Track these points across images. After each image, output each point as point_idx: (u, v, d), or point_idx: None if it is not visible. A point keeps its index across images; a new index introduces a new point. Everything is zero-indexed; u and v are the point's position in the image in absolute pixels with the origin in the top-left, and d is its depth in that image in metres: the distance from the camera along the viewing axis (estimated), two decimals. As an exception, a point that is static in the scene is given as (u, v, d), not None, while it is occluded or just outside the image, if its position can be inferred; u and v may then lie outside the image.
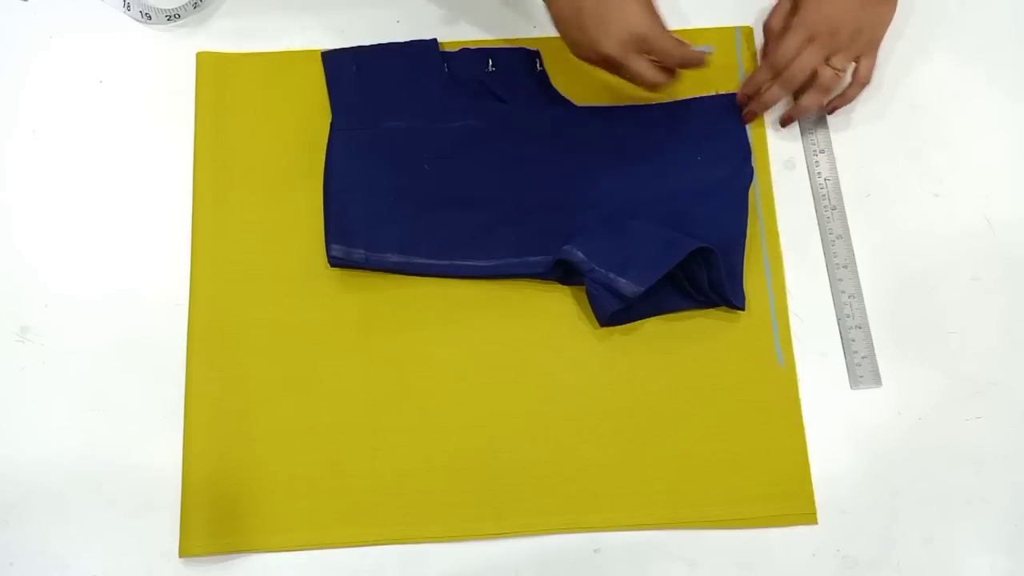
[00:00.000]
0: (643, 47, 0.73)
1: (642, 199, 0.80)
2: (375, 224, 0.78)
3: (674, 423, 0.75)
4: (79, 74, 0.85)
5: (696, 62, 0.75)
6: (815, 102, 0.80)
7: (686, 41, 0.74)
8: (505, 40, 0.85)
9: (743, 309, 0.77)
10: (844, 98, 0.81)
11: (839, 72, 0.79)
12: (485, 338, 0.77)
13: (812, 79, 0.79)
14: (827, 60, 0.78)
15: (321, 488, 0.73)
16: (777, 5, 0.83)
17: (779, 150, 0.83)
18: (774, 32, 0.82)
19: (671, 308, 0.77)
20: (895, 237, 0.81)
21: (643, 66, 0.74)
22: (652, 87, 0.76)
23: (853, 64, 0.80)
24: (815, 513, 0.73)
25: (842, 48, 0.78)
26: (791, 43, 0.78)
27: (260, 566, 0.72)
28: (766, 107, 0.81)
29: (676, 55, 0.74)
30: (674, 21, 0.86)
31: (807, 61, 0.78)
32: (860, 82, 0.80)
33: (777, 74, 0.79)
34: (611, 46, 0.72)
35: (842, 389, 0.77)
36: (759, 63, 0.83)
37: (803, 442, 0.75)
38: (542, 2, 0.75)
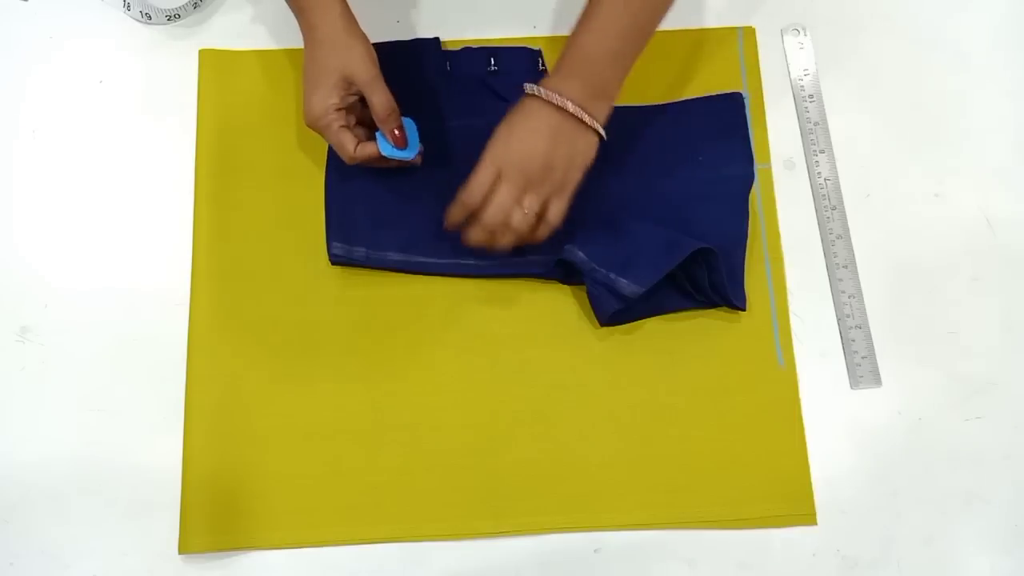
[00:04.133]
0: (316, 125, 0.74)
1: (643, 199, 0.80)
2: (376, 222, 0.78)
3: (674, 423, 0.75)
4: (79, 74, 0.85)
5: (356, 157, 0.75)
6: (507, 242, 0.74)
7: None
8: (507, 40, 0.85)
9: (744, 309, 0.77)
10: (532, 238, 0.74)
11: (528, 214, 0.72)
12: (485, 338, 0.77)
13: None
14: (520, 199, 0.72)
15: (321, 486, 0.73)
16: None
17: (779, 150, 0.83)
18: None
19: (672, 308, 0.77)
20: (895, 237, 0.81)
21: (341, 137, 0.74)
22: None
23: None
24: (815, 514, 0.73)
25: (534, 186, 0.72)
26: (481, 179, 0.72)
27: (260, 564, 0.72)
28: (479, 245, 0.75)
29: (343, 152, 0.74)
30: (677, 22, 0.86)
31: (501, 203, 0.72)
32: (549, 224, 0.73)
33: (470, 212, 0.73)
34: (306, 119, 0.73)
35: (842, 389, 0.77)
36: None
37: (803, 442, 0.75)
38: None
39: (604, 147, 0.82)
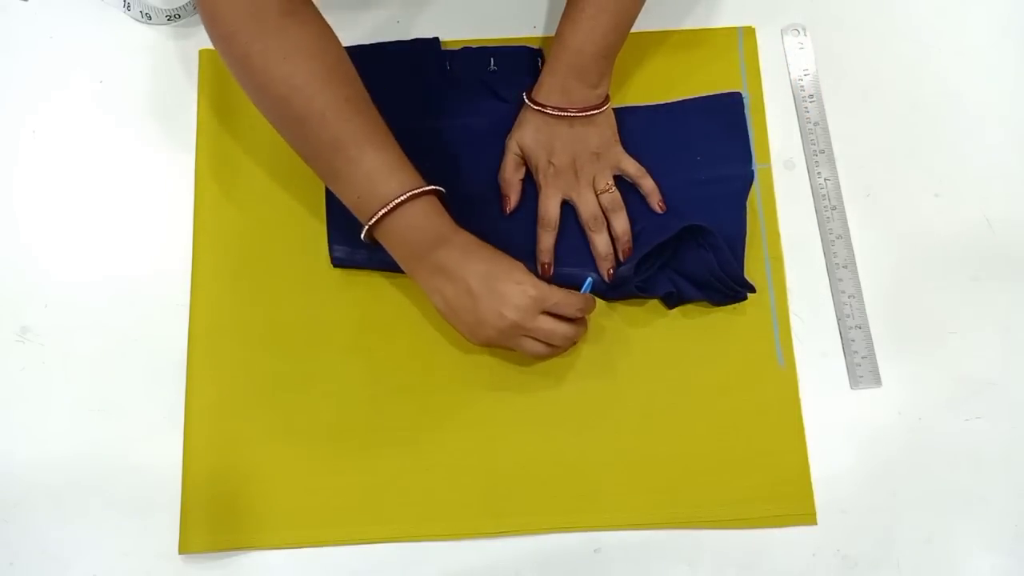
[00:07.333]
0: (543, 307, 0.71)
1: (642, 198, 0.80)
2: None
3: (674, 423, 0.75)
4: (79, 74, 0.85)
5: (591, 306, 0.74)
6: (623, 224, 0.78)
7: (572, 292, 0.73)
8: (507, 40, 0.85)
9: (755, 291, 0.77)
10: (652, 198, 0.79)
11: (610, 189, 0.78)
12: (485, 338, 0.77)
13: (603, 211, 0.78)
14: (596, 192, 0.78)
15: (321, 486, 0.73)
16: (504, 163, 0.80)
17: (779, 150, 0.83)
18: (510, 182, 0.79)
19: (687, 296, 0.77)
20: (895, 237, 0.81)
21: (549, 325, 0.71)
22: (547, 355, 0.74)
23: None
24: (815, 514, 0.73)
25: (597, 175, 0.77)
26: (550, 207, 0.77)
27: (260, 564, 0.72)
28: (611, 262, 0.77)
29: (575, 303, 0.72)
30: (676, 21, 0.86)
31: (586, 202, 0.77)
32: (637, 176, 0.79)
33: (551, 227, 0.77)
34: (513, 314, 0.70)
35: (842, 389, 0.77)
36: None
37: (803, 442, 0.75)
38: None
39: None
